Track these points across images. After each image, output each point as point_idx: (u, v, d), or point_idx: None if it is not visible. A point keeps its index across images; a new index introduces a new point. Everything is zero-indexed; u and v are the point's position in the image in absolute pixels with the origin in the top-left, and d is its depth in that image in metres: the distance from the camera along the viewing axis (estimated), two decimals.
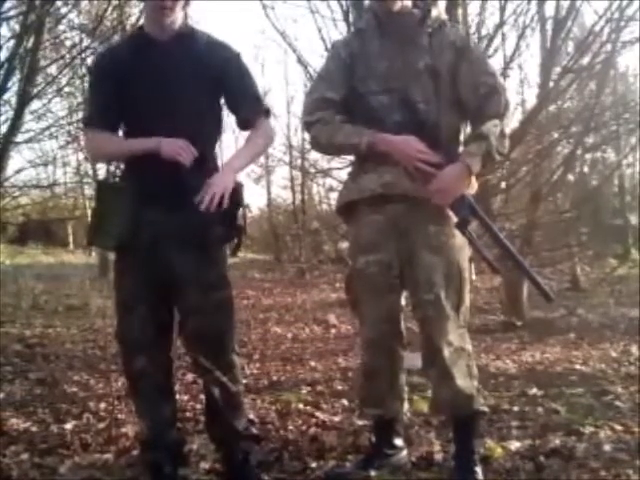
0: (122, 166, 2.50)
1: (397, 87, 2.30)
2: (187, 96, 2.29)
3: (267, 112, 2.44)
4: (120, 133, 2.42)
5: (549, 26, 6.27)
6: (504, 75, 5.76)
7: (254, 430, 2.49)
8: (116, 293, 2.39)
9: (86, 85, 9.06)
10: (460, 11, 5.40)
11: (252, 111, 2.39)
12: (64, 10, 7.60)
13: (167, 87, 2.28)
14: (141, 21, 7.78)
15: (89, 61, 7.98)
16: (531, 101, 7.59)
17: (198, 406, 3.38)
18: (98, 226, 2.35)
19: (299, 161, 12.92)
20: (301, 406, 3.46)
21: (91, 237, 2.44)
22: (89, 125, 2.45)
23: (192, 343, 2.35)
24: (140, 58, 2.30)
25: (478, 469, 2.34)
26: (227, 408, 2.36)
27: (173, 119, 2.26)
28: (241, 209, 2.31)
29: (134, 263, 2.31)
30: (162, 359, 2.38)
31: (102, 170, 11.01)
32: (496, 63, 5.79)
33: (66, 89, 8.65)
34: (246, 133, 2.45)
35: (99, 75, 2.40)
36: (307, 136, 2.80)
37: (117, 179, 2.52)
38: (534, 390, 3.73)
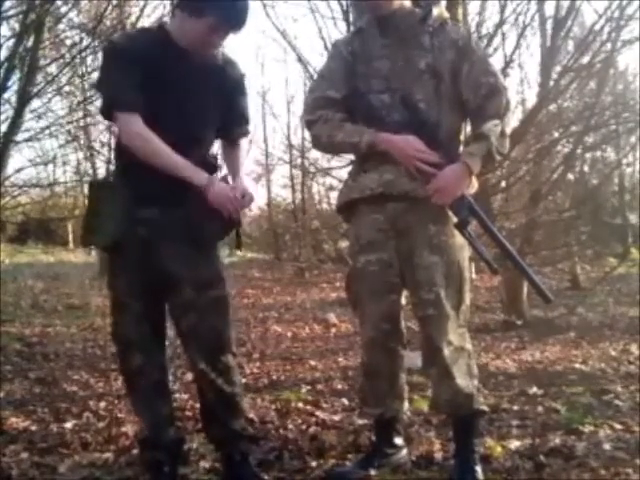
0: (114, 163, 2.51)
1: (398, 86, 2.29)
2: (200, 103, 2.32)
3: (248, 133, 2.57)
4: None
5: (549, 25, 6.28)
6: (504, 74, 5.76)
7: (251, 430, 2.49)
8: (110, 292, 2.39)
9: (86, 84, 9.10)
10: (460, 10, 5.40)
11: (242, 132, 2.52)
12: (64, 9, 7.61)
13: (185, 90, 2.29)
14: (141, 20, 7.70)
15: (89, 60, 7.98)
16: (531, 100, 7.59)
17: (198, 405, 3.37)
18: (91, 225, 2.36)
19: (299, 160, 12.93)
20: (301, 405, 3.46)
21: (85, 237, 2.46)
22: (128, 109, 2.21)
23: (188, 342, 2.34)
24: (166, 60, 2.27)
25: (478, 468, 2.33)
26: (222, 410, 2.36)
27: (184, 121, 2.28)
28: None
29: (128, 261, 2.30)
30: (158, 357, 2.38)
31: (102, 169, 11.06)
32: (496, 62, 5.79)
33: (66, 88, 8.66)
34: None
35: (127, 57, 2.22)
36: (307, 135, 2.82)
37: (111, 177, 2.52)
38: (534, 389, 3.73)
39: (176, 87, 2.28)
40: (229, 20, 2.22)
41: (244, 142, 2.56)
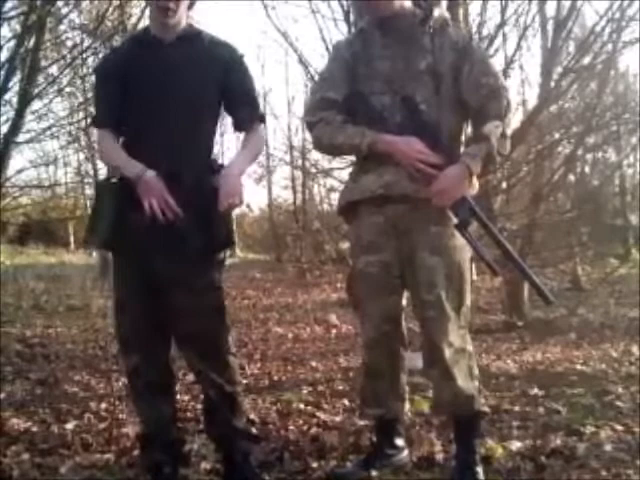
0: None
1: (398, 88, 2.30)
2: (188, 96, 2.31)
3: (262, 117, 2.47)
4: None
5: (550, 26, 6.28)
6: (505, 75, 5.76)
7: (253, 430, 2.49)
8: (114, 292, 2.41)
9: (87, 85, 9.11)
10: (461, 11, 5.40)
11: (250, 115, 2.41)
12: (65, 10, 7.63)
13: (168, 86, 2.29)
14: (142, 21, 7.77)
15: (90, 61, 7.99)
16: (532, 101, 7.58)
17: (199, 406, 3.37)
18: (92, 225, 2.37)
19: (300, 161, 12.93)
20: (302, 406, 3.46)
21: (86, 235, 2.48)
22: (95, 125, 2.50)
23: (183, 346, 2.36)
24: (143, 58, 2.31)
25: (479, 469, 2.33)
26: (223, 408, 2.36)
27: (172, 119, 2.28)
28: (230, 215, 2.34)
29: (126, 263, 2.33)
30: (157, 357, 2.37)
31: (103, 170, 11.06)
32: (497, 63, 5.79)
33: (67, 89, 8.68)
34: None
35: (103, 76, 2.41)
36: (308, 136, 2.82)
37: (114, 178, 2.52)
38: (535, 390, 3.72)
39: (159, 81, 2.29)
40: None
41: (259, 129, 2.44)
